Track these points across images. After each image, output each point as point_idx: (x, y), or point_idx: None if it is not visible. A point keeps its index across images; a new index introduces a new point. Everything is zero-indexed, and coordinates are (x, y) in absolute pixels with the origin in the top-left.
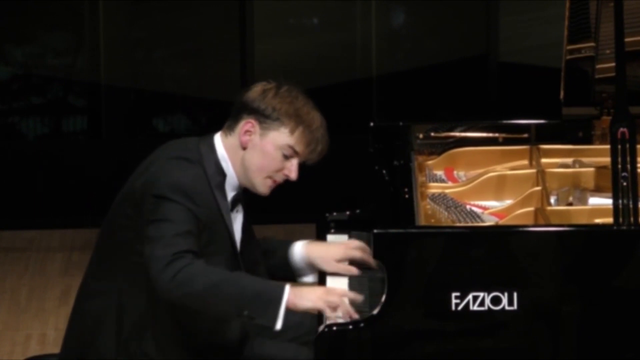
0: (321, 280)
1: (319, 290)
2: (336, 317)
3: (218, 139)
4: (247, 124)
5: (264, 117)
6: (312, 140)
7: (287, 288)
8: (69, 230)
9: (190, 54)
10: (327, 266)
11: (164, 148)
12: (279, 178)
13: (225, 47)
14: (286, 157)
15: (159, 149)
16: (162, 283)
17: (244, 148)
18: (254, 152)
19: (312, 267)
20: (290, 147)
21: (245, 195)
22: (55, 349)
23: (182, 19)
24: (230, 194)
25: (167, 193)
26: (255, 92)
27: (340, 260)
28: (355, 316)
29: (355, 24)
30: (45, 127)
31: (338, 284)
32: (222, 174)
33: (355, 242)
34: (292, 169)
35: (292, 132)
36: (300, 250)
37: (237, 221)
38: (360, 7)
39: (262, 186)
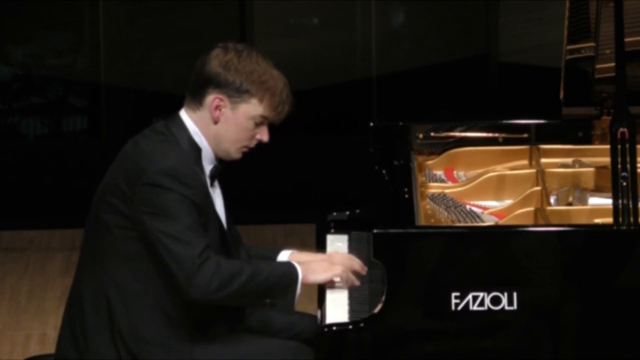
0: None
1: (323, 262)
2: (340, 285)
3: (185, 115)
4: (215, 99)
5: (232, 91)
6: (279, 103)
7: (298, 268)
8: (69, 230)
9: (190, 54)
10: None
11: (136, 139)
12: (253, 144)
13: None
14: (257, 125)
15: (127, 144)
16: (197, 290)
17: (216, 122)
18: (227, 125)
19: None
20: (261, 115)
21: (224, 170)
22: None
23: (182, 19)
24: (208, 168)
25: (158, 181)
26: (216, 64)
27: None
28: (357, 283)
29: (355, 24)
30: (45, 127)
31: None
32: (197, 149)
33: (339, 256)
34: (264, 133)
35: (260, 101)
36: (284, 258)
37: (217, 196)
38: (360, 7)
39: (237, 153)
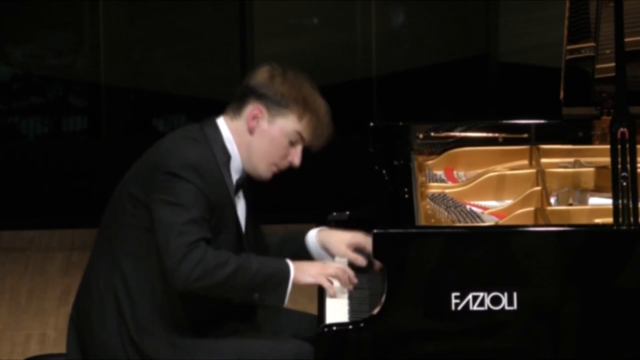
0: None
1: (318, 265)
2: (337, 291)
3: (222, 122)
4: (255, 109)
5: (272, 104)
6: (318, 127)
7: (292, 266)
8: (69, 230)
9: (190, 54)
10: (336, 250)
11: (166, 138)
12: (283, 165)
13: (225, 47)
14: (292, 144)
15: (158, 142)
16: (179, 277)
17: (251, 133)
18: (262, 138)
19: (326, 253)
20: (298, 133)
21: (250, 185)
22: (55, 349)
23: (182, 19)
24: (235, 177)
25: (177, 170)
26: (262, 77)
27: (349, 244)
28: (355, 281)
29: (355, 24)
30: (45, 127)
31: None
32: (228, 155)
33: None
34: (295, 155)
35: (300, 119)
36: (314, 237)
37: (240, 206)
38: (360, 7)
39: (266, 172)
